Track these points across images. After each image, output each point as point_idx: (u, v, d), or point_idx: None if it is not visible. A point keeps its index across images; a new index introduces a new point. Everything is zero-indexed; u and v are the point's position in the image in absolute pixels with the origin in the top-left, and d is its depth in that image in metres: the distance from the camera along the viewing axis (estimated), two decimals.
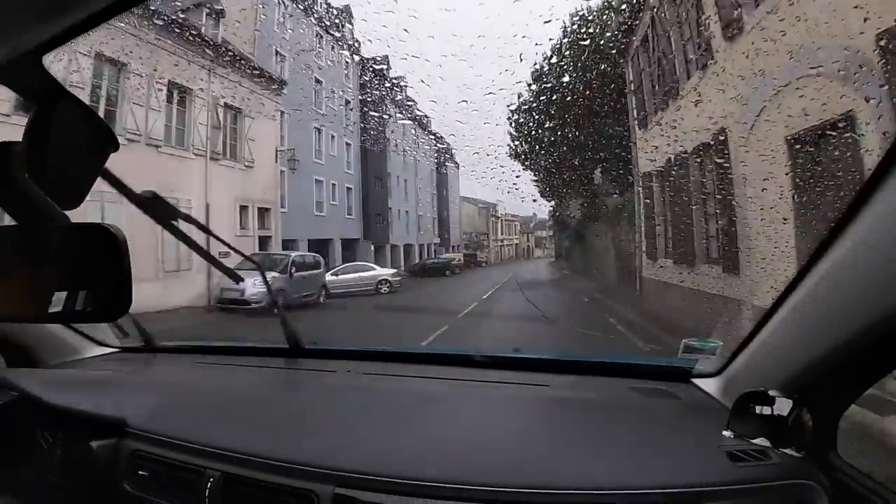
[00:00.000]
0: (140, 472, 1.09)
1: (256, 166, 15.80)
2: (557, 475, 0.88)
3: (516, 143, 17.66)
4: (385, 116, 24.80)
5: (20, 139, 0.64)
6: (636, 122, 12.13)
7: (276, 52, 18.52)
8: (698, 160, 8.55)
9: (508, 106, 16.89)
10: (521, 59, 17.50)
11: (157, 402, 1.28)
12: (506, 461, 0.94)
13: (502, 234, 48.07)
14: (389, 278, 16.50)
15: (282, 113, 17.87)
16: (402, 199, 29.51)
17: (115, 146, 0.70)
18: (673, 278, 9.38)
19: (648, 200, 11.04)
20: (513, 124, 17.59)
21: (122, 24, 10.13)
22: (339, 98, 23.33)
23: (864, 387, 0.88)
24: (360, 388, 1.41)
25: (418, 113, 25.40)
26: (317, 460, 0.96)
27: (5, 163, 0.63)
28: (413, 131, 28.78)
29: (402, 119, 26.33)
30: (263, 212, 16.24)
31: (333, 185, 22.71)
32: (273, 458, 0.98)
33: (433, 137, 27.43)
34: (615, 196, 14.57)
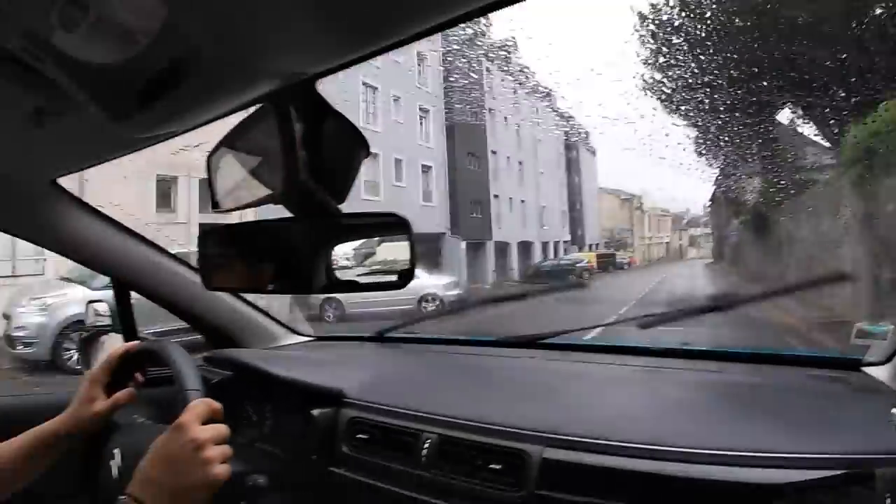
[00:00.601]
0: (358, 436, 1.42)
1: None
2: (737, 440, 1.06)
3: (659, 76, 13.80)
4: (482, 80, 21.18)
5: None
6: None
7: None
8: None
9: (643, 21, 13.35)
10: None
11: (370, 376, 1.63)
12: (689, 426, 1.16)
13: (650, 230, 47.17)
14: (440, 292, 13.79)
15: None
16: (515, 184, 27.16)
17: (367, 152, 0.98)
18: None
19: None
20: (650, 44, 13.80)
21: None
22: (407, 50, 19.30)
23: None
24: (549, 371, 1.69)
25: (537, 83, 22.96)
26: (526, 425, 1.21)
27: (293, 166, 0.92)
28: (530, 104, 25.93)
29: (511, 86, 23.59)
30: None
31: (398, 160, 20.18)
32: (487, 423, 1.25)
33: (558, 115, 24.82)
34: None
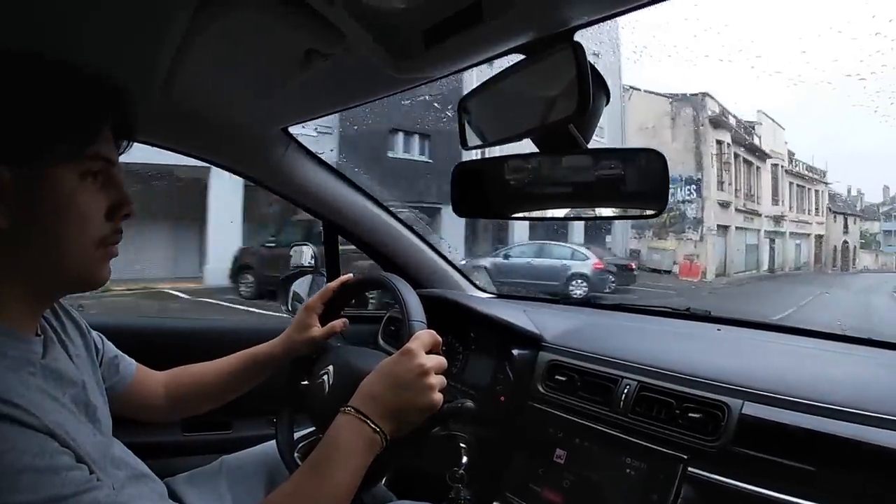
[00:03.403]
0: (556, 377, 1.54)
1: None
2: None
3: None
4: None
5: None
6: None
7: None
8: None
9: None
10: None
11: (564, 325, 1.75)
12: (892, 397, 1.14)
13: (780, 202, 25.87)
14: None
15: None
16: None
17: (608, 98, 1.08)
18: None
19: None
20: None
21: None
22: None
23: None
24: (734, 339, 1.72)
25: None
26: (726, 379, 1.27)
27: (548, 108, 1.03)
28: None
29: None
30: None
31: None
32: (688, 373, 1.33)
33: None
34: None
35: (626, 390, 1.38)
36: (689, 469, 1.21)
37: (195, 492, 1.38)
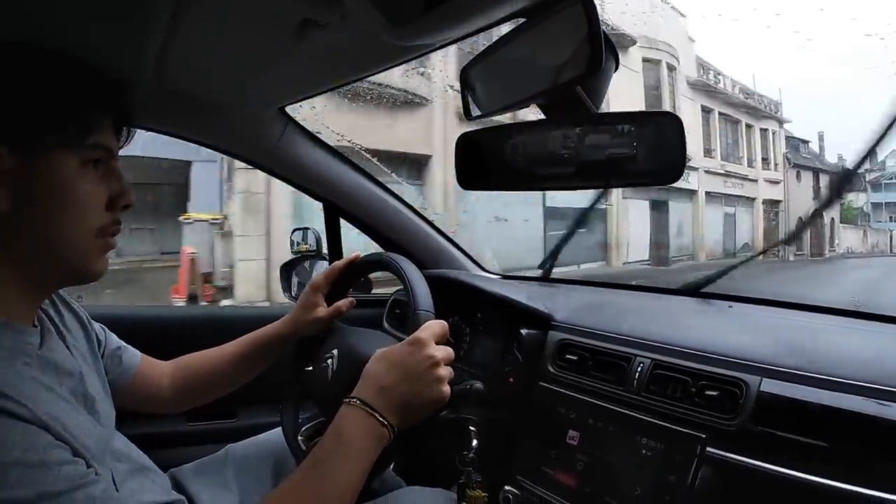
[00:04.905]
0: (567, 357, 1.49)
1: None
2: None
3: None
4: None
5: None
6: None
7: None
8: None
9: None
10: None
11: (577, 303, 1.71)
12: None
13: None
14: None
15: None
16: None
17: (617, 62, 1.03)
18: None
19: None
20: None
21: None
22: None
23: None
24: (742, 315, 1.66)
25: None
26: (743, 355, 1.22)
27: (556, 72, 0.97)
28: None
29: None
30: None
31: None
32: (703, 351, 1.28)
33: None
34: None
35: (639, 368, 1.33)
36: (708, 449, 1.16)
37: (201, 481, 1.35)
